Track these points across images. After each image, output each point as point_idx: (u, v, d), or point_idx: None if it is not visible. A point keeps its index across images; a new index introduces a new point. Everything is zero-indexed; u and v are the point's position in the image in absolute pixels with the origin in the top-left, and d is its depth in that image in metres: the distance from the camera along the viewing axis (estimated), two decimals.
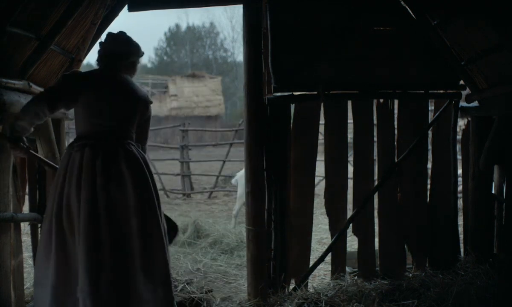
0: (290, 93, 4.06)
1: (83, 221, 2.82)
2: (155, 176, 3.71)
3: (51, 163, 3.45)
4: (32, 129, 3.09)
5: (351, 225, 4.26)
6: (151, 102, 3.27)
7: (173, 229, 3.33)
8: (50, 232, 2.93)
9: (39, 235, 3.91)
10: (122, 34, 3.18)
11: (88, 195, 2.86)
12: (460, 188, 4.76)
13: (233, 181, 8.22)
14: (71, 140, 10.16)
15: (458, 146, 4.53)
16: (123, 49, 3.13)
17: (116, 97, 3.05)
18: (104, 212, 2.86)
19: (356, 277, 4.14)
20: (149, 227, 2.96)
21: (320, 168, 4.46)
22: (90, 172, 2.89)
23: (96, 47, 3.94)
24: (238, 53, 44.18)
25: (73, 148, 2.98)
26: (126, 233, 2.90)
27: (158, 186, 3.82)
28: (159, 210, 3.06)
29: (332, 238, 4.23)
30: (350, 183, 4.24)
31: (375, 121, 4.28)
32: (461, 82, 4.25)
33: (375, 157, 4.33)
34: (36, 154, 3.40)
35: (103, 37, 3.19)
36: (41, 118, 3.00)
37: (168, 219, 3.28)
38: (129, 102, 3.10)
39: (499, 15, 3.33)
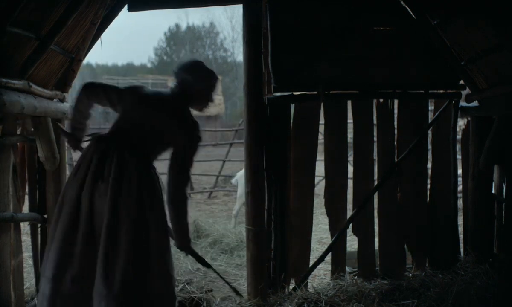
0: (290, 93, 4.06)
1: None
2: None
3: None
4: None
5: (351, 225, 4.26)
6: (193, 136, 2.94)
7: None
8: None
9: (39, 235, 3.92)
10: (190, 63, 3.10)
11: (78, 192, 2.80)
12: (460, 188, 4.77)
13: (233, 181, 8.22)
14: None
15: (458, 146, 4.53)
16: (185, 77, 3.03)
17: (148, 113, 2.94)
18: (87, 211, 2.77)
19: (356, 277, 4.14)
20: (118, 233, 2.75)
21: (320, 168, 4.46)
22: (85, 166, 2.83)
23: (95, 47, 3.97)
24: (238, 53, 44.19)
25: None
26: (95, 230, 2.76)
27: None
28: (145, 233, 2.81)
29: (332, 238, 4.23)
30: (350, 183, 4.24)
31: (375, 121, 4.28)
32: (461, 82, 4.25)
33: (375, 157, 4.33)
34: None
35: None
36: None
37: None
38: (158, 121, 2.93)
39: (499, 15, 3.33)
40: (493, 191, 4.25)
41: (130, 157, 2.80)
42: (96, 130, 3.15)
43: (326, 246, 4.37)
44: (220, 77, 29.93)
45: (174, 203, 2.91)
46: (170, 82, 3.09)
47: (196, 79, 3.01)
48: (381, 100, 4.26)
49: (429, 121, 4.36)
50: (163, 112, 2.96)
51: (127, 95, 3.00)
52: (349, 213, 4.27)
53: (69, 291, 2.72)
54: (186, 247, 3.09)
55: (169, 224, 2.98)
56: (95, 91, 3.04)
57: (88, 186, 2.76)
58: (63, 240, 2.75)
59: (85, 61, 4.06)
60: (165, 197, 2.93)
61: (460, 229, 4.47)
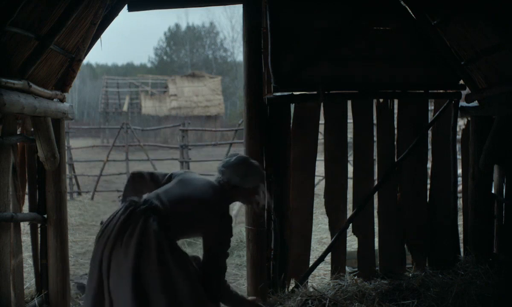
0: (290, 93, 4.06)
1: None
2: None
3: None
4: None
5: (351, 224, 4.26)
6: (227, 230, 2.87)
7: None
8: None
9: (39, 235, 3.92)
10: (238, 161, 2.98)
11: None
12: (460, 187, 4.76)
13: None
14: (71, 140, 10.15)
15: (458, 146, 4.53)
16: (233, 177, 2.93)
17: (187, 196, 2.82)
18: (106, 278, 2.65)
19: (356, 277, 4.14)
20: None
21: (320, 168, 4.47)
22: (111, 227, 2.72)
23: (95, 47, 3.96)
24: (238, 53, 44.26)
25: None
26: None
27: None
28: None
29: (332, 237, 4.23)
30: (350, 182, 4.24)
31: (375, 121, 4.28)
32: (461, 82, 4.25)
33: (375, 156, 4.33)
34: None
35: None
36: None
37: None
38: (196, 209, 2.81)
39: (499, 15, 3.33)
40: (493, 191, 4.25)
41: (152, 224, 2.64)
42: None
43: (326, 246, 4.37)
44: (219, 77, 30.02)
45: (215, 296, 2.83)
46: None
47: (244, 178, 2.92)
48: (381, 100, 4.26)
49: (429, 121, 4.36)
50: (204, 203, 2.85)
51: (173, 177, 2.98)
52: (349, 213, 4.28)
53: None
54: None
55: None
56: (141, 177, 3.01)
57: (108, 248, 2.64)
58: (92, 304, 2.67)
59: (85, 61, 4.07)
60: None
61: (460, 229, 4.46)
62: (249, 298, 3.14)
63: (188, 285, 2.66)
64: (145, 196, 2.82)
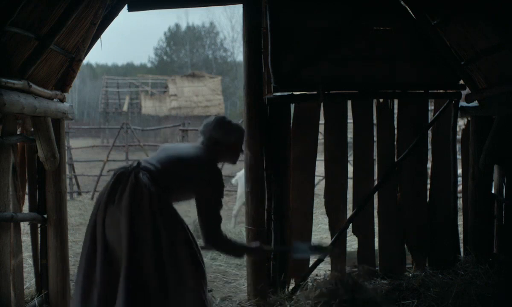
0: (290, 93, 4.06)
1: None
2: None
3: None
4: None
5: (351, 224, 4.26)
6: (217, 183, 2.93)
7: None
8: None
9: (39, 235, 3.92)
10: (216, 120, 3.10)
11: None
12: (460, 187, 4.76)
13: (233, 181, 8.22)
14: (71, 140, 10.15)
15: (458, 146, 4.53)
16: (214, 134, 3.04)
17: (176, 161, 2.91)
18: (101, 237, 2.73)
19: (355, 277, 4.13)
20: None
21: (320, 168, 4.47)
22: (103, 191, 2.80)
23: (95, 47, 3.96)
24: (237, 53, 44.25)
25: None
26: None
27: None
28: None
29: (332, 237, 4.23)
30: (350, 182, 4.24)
31: (375, 121, 4.28)
32: (461, 82, 4.25)
33: (375, 156, 4.33)
34: None
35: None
36: None
37: None
38: (182, 164, 2.90)
39: (499, 15, 3.33)
40: (493, 191, 4.25)
41: (143, 178, 2.71)
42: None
43: None
44: (219, 77, 30.00)
45: (214, 246, 2.94)
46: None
47: (224, 134, 3.03)
48: (381, 100, 4.26)
49: (429, 121, 4.36)
50: (191, 163, 2.93)
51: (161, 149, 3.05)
52: (349, 213, 4.28)
53: None
54: (262, 252, 3.15)
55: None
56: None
57: (101, 211, 2.71)
58: (85, 267, 2.73)
59: (85, 61, 4.07)
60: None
61: (460, 229, 4.47)
62: (251, 244, 3.20)
63: (170, 245, 2.70)
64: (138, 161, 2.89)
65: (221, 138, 3.02)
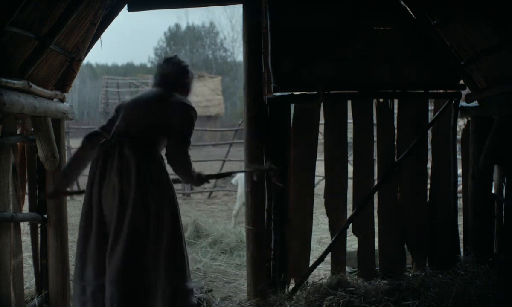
0: (290, 93, 4.06)
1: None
2: None
3: None
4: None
5: (351, 224, 4.25)
6: (184, 110, 3.09)
7: None
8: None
9: (39, 235, 3.92)
10: (170, 57, 3.31)
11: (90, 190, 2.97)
12: (460, 187, 4.76)
13: (233, 181, 8.22)
14: (71, 140, 10.16)
15: (458, 146, 4.53)
16: (166, 70, 3.25)
17: (137, 106, 3.12)
18: (97, 210, 2.93)
19: (356, 277, 4.14)
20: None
21: (320, 168, 4.46)
22: (94, 168, 2.98)
23: (95, 47, 3.97)
24: (237, 53, 44.25)
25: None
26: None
27: None
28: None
29: (332, 237, 4.23)
30: (350, 182, 4.23)
31: (375, 121, 4.28)
32: (461, 82, 4.25)
33: (375, 157, 4.33)
34: None
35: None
36: None
37: None
38: (148, 111, 3.08)
39: (499, 15, 3.33)
40: (493, 191, 4.25)
41: (129, 150, 2.89)
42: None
43: (326, 246, 4.37)
44: (219, 77, 29.98)
45: (176, 164, 3.03)
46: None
47: (172, 67, 3.23)
48: (381, 100, 4.26)
49: (429, 121, 4.36)
50: (154, 105, 3.11)
51: (120, 107, 3.20)
52: (349, 213, 4.27)
53: (92, 288, 2.89)
54: (201, 179, 3.19)
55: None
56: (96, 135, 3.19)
57: (96, 186, 2.91)
58: (82, 241, 2.94)
59: (85, 61, 4.06)
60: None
61: (460, 229, 4.46)
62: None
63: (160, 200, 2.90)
64: (112, 131, 3.06)
65: (172, 70, 3.21)
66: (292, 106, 4.15)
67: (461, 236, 4.48)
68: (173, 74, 3.23)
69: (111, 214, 2.87)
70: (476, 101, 4.19)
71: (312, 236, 4.28)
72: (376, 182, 4.39)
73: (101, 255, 2.87)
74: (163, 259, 2.89)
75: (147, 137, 3.00)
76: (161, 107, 3.07)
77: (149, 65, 45.40)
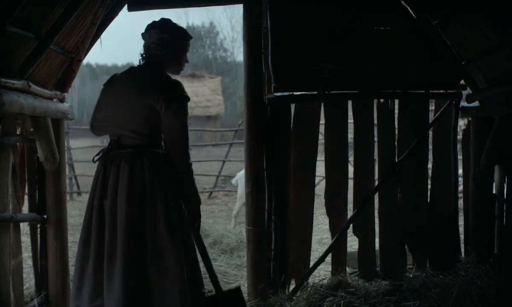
0: (291, 93, 4.05)
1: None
2: None
3: None
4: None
5: (351, 225, 4.24)
6: (177, 94, 2.76)
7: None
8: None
9: (39, 235, 3.91)
10: (155, 22, 2.89)
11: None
12: (460, 188, 4.75)
13: (233, 181, 8.22)
14: (70, 140, 10.15)
15: (459, 146, 4.52)
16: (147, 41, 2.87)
17: (120, 98, 2.87)
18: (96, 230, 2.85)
19: (356, 278, 4.13)
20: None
21: (320, 168, 4.45)
22: (94, 183, 2.90)
23: (95, 47, 3.95)
24: (237, 53, 44.26)
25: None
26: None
27: None
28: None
29: (332, 238, 4.22)
30: (351, 183, 4.22)
31: (375, 121, 4.27)
32: (462, 82, 4.24)
33: (376, 157, 4.32)
34: None
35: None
36: None
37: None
38: (134, 99, 2.81)
39: (500, 15, 3.32)
40: (494, 192, 4.24)
41: (125, 163, 2.76)
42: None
43: (326, 247, 4.36)
44: (219, 77, 29.97)
45: (176, 163, 2.81)
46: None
47: (165, 40, 2.84)
48: (381, 100, 4.25)
49: (430, 121, 4.35)
50: (139, 88, 2.82)
51: (103, 93, 3.00)
52: (350, 213, 4.26)
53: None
54: (196, 213, 2.95)
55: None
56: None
57: (96, 201, 2.81)
58: (80, 258, 2.84)
59: (85, 61, 4.05)
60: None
61: (461, 229, 4.45)
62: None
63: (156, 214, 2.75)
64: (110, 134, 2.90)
65: (163, 46, 2.83)
66: (293, 106, 4.15)
67: (462, 236, 4.46)
68: (156, 45, 2.84)
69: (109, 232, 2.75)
70: (477, 101, 4.18)
71: (313, 236, 4.27)
72: (376, 183, 4.38)
73: (98, 276, 2.76)
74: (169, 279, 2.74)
75: (141, 139, 2.80)
76: (149, 92, 2.76)
77: None
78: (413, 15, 4.07)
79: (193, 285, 2.80)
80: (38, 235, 3.90)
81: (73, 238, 6.83)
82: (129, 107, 2.82)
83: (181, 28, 2.92)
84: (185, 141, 2.81)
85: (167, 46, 2.84)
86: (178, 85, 2.82)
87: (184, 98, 2.81)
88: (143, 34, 2.92)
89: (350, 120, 4.19)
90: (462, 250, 4.43)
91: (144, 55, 2.94)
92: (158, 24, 2.86)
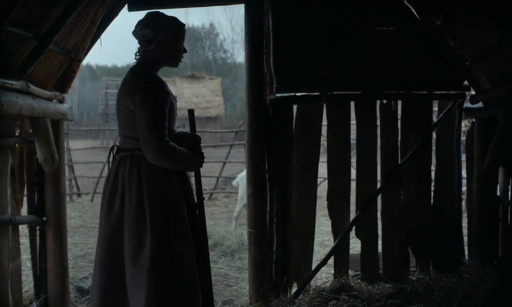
0: (292, 93, 4.02)
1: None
2: None
3: None
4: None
5: (354, 227, 4.20)
6: (137, 88, 2.60)
7: None
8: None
9: (38, 238, 3.88)
10: (145, 16, 2.75)
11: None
12: (464, 189, 4.72)
13: (234, 182, 8.18)
14: (70, 141, 10.11)
15: (462, 147, 4.49)
16: (145, 33, 2.71)
17: (117, 105, 2.76)
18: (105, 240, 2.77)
19: (359, 280, 4.09)
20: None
21: (322, 170, 4.42)
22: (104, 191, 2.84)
23: (95, 48, 3.92)
24: (237, 54, 44.32)
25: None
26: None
27: None
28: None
29: (334, 240, 4.18)
30: (353, 184, 4.19)
31: (378, 122, 4.23)
32: (465, 83, 4.21)
33: (378, 158, 4.28)
34: None
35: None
36: None
37: None
38: (119, 103, 2.71)
39: (503, 15, 3.29)
40: (498, 193, 4.20)
41: (124, 169, 2.70)
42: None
43: (328, 249, 4.33)
44: (219, 78, 29.98)
45: (152, 161, 2.62)
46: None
47: (155, 28, 2.69)
48: (384, 101, 4.21)
49: (433, 122, 4.31)
50: (120, 90, 2.70)
51: None
52: (352, 215, 4.23)
53: None
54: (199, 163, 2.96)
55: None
56: None
57: (104, 209, 2.77)
58: (96, 270, 2.76)
59: (84, 62, 4.02)
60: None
61: (465, 231, 4.42)
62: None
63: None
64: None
65: (154, 35, 2.68)
66: (295, 107, 4.11)
67: (465, 238, 4.43)
68: (141, 42, 2.73)
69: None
70: (481, 102, 4.14)
71: (315, 238, 4.23)
72: (379, 184, 4.35)
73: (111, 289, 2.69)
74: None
75: (130, 142, 2.69)
76: (122, 100, 2.66)
77: None
78: (416, 15, 4.04)
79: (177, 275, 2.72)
80: (37, 238, 3.87)
81: (73, 240, 6.81)
82: (118, 111, 2.77)
83: (167, 17, 2.74)
84: (157, 132, 2.57)
85: (151, 40, 2.71)
86: (146, 78, 2.65)
87: (148, 89, 2.61)
88: (132, 34, 2.83)
89: (353, 121, 4.16)
90: (466, 252, 4.39)
91: (136, 54, 2.86)
92: (141, 21, 2.75)
